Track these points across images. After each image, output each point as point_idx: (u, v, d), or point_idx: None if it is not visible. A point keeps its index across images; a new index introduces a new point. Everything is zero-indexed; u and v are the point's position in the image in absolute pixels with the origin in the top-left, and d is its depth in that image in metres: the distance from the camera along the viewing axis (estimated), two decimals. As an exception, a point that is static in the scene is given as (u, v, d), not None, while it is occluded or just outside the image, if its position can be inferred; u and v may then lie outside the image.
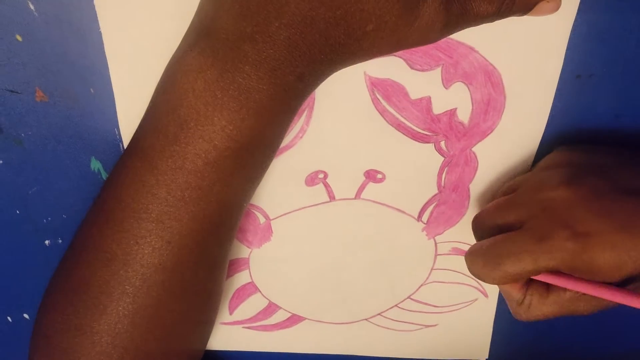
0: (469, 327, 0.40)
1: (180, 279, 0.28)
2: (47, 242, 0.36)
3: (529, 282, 0.30)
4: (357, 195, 0.35)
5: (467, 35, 0.29)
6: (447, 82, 0.31)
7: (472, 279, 0.38)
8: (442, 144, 0.33)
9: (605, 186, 0.28)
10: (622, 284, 0.27)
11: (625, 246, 0.26)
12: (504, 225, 0.29)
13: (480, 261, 0.29)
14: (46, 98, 0.31)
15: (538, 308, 0.30)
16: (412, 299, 0.39)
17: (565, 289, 0.29)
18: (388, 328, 0.40)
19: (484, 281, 0.29)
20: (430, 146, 0.33)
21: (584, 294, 0.28)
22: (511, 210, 0.29)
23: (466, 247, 0.37)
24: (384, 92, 0.31)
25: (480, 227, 0.31)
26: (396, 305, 0.39)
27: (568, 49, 0.30)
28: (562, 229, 0.27)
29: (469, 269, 0.30)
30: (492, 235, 0.29)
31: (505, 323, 0.40)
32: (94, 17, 0.28)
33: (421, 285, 0.38)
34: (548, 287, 0.30)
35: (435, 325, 0.40)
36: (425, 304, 0.39)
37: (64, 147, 0.32)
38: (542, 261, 0.27)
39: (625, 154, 0.31)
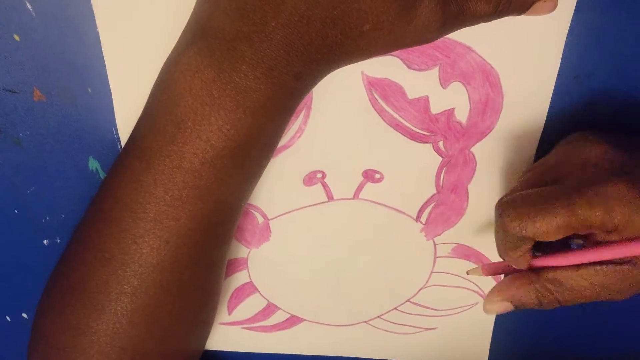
0: (468, 330, 0.40)
1: (178, 278, 0.28)
2: (45, 241, 0.36)
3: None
4: (356, 195, 0.35)
5: (465, 35, 0.29)
6: (444, 82, 0.31)
7: (472, 282, 0.38)
8: (441, 144, 0.33)
9: (635, 143, 0.27)
10: None
11: None
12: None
13: (521, 207, 0.26)
14: (44, 98, 0.31)
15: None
16: (411, 302, 0.39)
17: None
18: (387, 331, 0.40)
19: (516, 232, 0.26)
20: (429, 146, 0.33)
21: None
22: (547, 176, 0.28)
23: (467, 247, 0.37)
24: (382, 91, 0.31)
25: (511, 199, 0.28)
26: (395, 308, 0.39)
27: (565, 49, 0.30)
28: (608, 176, 0.26)
29: (501, 220, 0.27)
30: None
31: (505, 327, 0.40)
32: (92, 17, 0.29)
33: (421, 288, 0.38)
34: None
35: (435, 328, 0.40)
36: (425, 307, 0.39)
37: (61, 147, 0.32)
38: (595, 209, 0.25)
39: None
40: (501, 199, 0.29)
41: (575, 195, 0.25)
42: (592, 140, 0.28)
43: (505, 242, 0.28)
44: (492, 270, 0.32)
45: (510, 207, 0.27)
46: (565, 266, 0.28)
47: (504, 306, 0.30)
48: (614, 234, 0.26)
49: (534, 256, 0.29)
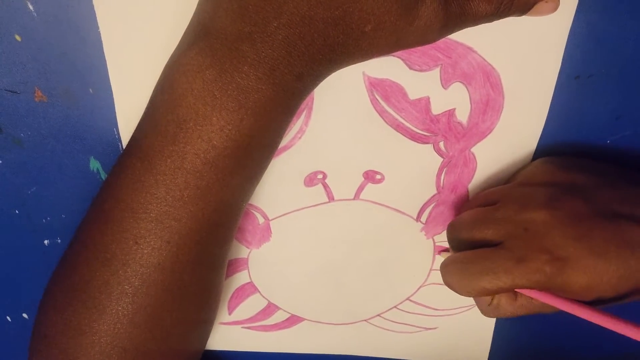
0: (468, 330, 0.40)
1: (179, 278, 0.28)
2: (46, 241, 0.36)
3: None
4: (356, 196, 0.35)
5: (466, 36, 0.29)
6: (445, 83, 0.31)
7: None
8: (441, 144, 0.33)
9: (584, 210, 0.28)
10: (592, 303, 0.28)
11: (599, 271, 0.27)
12: (481, 240, 0.30)
13: (457, 274, 0.30)
14: (45, 98, 0.31)
15: (506, 309, 0.31)
16: (411, 300, 0.39)
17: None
18: (387, 329, 0.40)
19: (457, 292, 0.30)
20: (429, 147, 0.33)
21: None
22: (490, 226, 0.30)
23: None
24: (383, 92, 0.31)
25: (457, 236, 0.32)
26: (395, 307, 0.39)
27: (566, 49, 0.30)
28: (541, 253, 0.27)
29: (444, 279, 0.31)
30: (468, 247, 0.30)
31: (505, 327, 0.40)
32: (93, 17, 0.29)
33: (420, 286, 0.38)
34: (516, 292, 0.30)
35: (435, 328, 0.40)
36: (425, 306, 0.39)
37: (63, 147, 0.32)
38: (519, 281, 0.28)
39: (611, 172, 0.31)
40: (449, 227, 0.33)
41: (500, 271, 0.28)
42: (538, 198, 0.29)
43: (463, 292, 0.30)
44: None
45: (445, 274, 0.30)
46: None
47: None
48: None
49: None
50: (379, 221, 0.36)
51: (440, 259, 0.37)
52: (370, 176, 0.34)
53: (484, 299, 0.31)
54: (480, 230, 0.30)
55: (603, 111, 0.32)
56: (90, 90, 0.31)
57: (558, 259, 0.27)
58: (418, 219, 0.36)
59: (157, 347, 0.29)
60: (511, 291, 0.30)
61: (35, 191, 0.34)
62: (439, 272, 0.38)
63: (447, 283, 0.30)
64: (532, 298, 0.30)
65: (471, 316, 0.40)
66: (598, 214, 0.28)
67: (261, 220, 0.35)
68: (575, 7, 0.29)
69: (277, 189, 0.34)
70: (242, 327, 0.40)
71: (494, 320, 0.40)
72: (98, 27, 0.29)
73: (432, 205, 0.35)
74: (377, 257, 0.37)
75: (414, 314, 0.40)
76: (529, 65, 0.30)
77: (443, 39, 0.28)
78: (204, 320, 0.32)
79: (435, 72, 0.31)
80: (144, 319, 0.28)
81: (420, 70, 0.31)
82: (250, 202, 0.33)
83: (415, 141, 0.33)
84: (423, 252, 0.37)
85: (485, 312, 0.32)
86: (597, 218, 0.28)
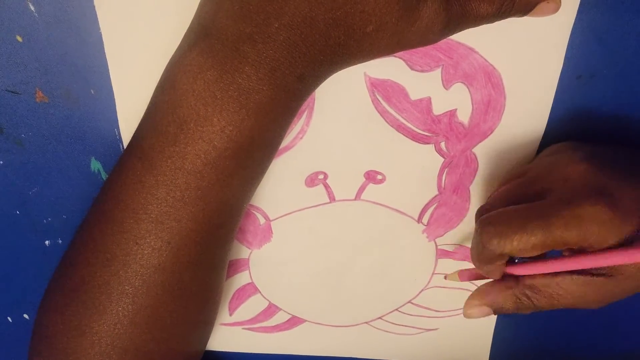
0: (469, 331, 0.40)
1: (179, 279, 0.28)
2: (47, 242, 0.36)
3: None
4: (357, 197, 0.35)
5: (467, 36, 0.29)
6: (447, 83, 0.31)
7: (473, 284, 0.38)
8: (442, 144, 0.33)
9: (618, 159, 0.28)
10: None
11: None
12: (520, 204, 0.28)
13: (502, 225, 0.27)
14: (46, 99, 0.31)
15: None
16: (412, 303, 0.39)
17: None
18: (389, 331, 0.40)
19: (497, 250, 0.27)
20: (431, 147, 0.33)
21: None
22: (527, 188, 0.28)
23: (468, 248, 0.37)
24: (384, 92, 0.31)
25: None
26: (397, 309, 0.39)
27: (568, 49, 0.30)
28: (588, 194, 0.26)
29: (483, 236, 0.27)
30: None
31: (506, 328, 0.40)
32: (94, 18, 0.29)
33: (422, 289, 0.38)
34: None
35: (436, 329, 0.40)
36: (426, 308, 0.39)
37: (64, 148, 0.32)
38: (572, 228, 0.26)
39: (626, 149, 0.31)
40: (481, 210, 0.30)
41: (553, 216, 0.26)
42: (573, 157, 0.29)
43: (481, 254, 0.28)
44: (469, 275, 0.33)
45: (489, 224, 0.27)
46: (543, 274, 0.28)
47: (484, 311, 0.31)
48: (589, 249, 0.27)
49: (512, 264, 0.29)
50: (380, 222, 0.36)
51: (442, 261, 0.37)
52: (372, 177, 0.34)
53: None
54: (515, 197, 0.28)
55: (605, 111, 0.32)
56: (92, 91, 0.31)
57: (608, 196, 0.26)
58: (419, 220, 0.36)
59: (157, 347, 0.29)
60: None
61: (36, 192, 0.34)
62: (441, 275, 0.38)
63: (488, 238, 0.27)
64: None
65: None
66: (630, 166, 0.28)
67: (262, 220, 0.35)
68: (577, 7, 0.29)
69: (278, 190, 0.34)
70: (243, 328, 0.40)
71: (494, 320, 0.40)
72: (99, 28, 0.29)
73: (434, 206, 0.35)
74: (379, 259, 0.37)
75: (415, 316, 0.40)
76: (530, 66, 0.30)
77: (444, 39, 0.28)
78: (205, 321, 0.32)
79: (437, 73, 0.31)
80: (144, 320, 0.28)
81: (422, 71, 0.30)
82: (251, 202, 0.33)
83: (416, 141, 0.33)
84: (425, 255, 0.37)
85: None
86: (630, 166, 0.28)
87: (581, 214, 0.26)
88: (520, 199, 0.28)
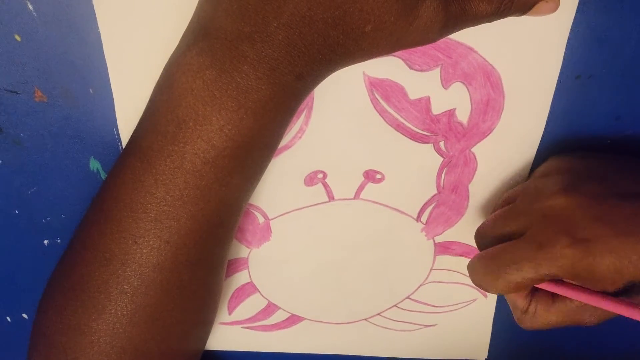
0: (468, 327, 0.40)
1: (178, 278, 0.28)
2: (45, 241, 0.36)
3: (533, 291, 0.30)
4: (356, 196, 0.35)
5: (466, 36, 0.29)
6: (446, 83, 0.31)
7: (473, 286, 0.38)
8: (442, 144, 0.33)
9: (602, 191, 0.28)
10: (624, 291, 0.27)
11: (625, 250, 0.26)
12: (505, 235, 0.29)
13: (481, 271, 0.29)
14: (45, 98, 0.31)
15: (543, 316, 0.30)
16: (411, 299, 0.39)
17: (570, 299, 0.29)
18: (387, 328, 0.40)
19: (487, 291, 0.29)
20: (430, 146, 0.33)
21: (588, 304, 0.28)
22: (511, 220, 0.29)
23: (466, 245, 0.37)
24: (383, 92, 0.31)
25: (483, 239, 0.31)
26: (395, 305, 0.39)
27: (567, 49, 0.30)
28: (562, 236, 0.27)
29: (471, 278, 0.30)
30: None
31: (505, 323, 0.40)
32: (93, 17, 0.28)
33: (420, 285, 0.38)
34: (553, 296, 0.30)
35: (435, 325, 0.40)
36: (425, 303, 0.39)
37: (62, 147, 0.32)
38: (543, 269, 0.27)
39: (621, 160, 0.31)
40: (478, 232, 0.32)
41: (525, 259, 0.27)
42: (557, 184, 0.29)
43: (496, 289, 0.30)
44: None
45: (473, 272, 0.30)
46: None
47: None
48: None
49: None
50: (379, 221, 0.36)
51: (440, 258, 0.37)
52: (371, 176, 0.34)
53: (519, 306, 0.31)
54: (501, 227, 0.30)
55: (604, 111, 0.32)
56: (90, 90, 0.31)
57: (580, 241, 0.26)
58: (418, 219, 0.36)
59: (156, 346, 0.29)
60: (547, 297, 0.30)
61: (35, 191, 0.34)
62: (440, 271, 0.38)
63: (475, 282, 0.30)
64: (569, 300, 0.29)
65: (470, 312, 0.40)
66: (616, 195, 0.27)
67: (261, 219, 0.35)
68: (576, 7, 0.29)
69: (277, 189, 0.34)
70: (242, 327, 0.40)
71: (492, 315, 0.40)
72: (98, 27, 0.29)
73: (433, 205, 0.35)
74: (377, 257, 0.37)
75: (414, 311, 0.40)
76: (529, 65, 0.30)
77: (443, 39, 0.28)
78: (204, 320, 0.32)
79: (436, 72, 0.31)
80: (143, 319, 0.28)
81: (421, 70, 0.31)
82: (250, 201, 0.33)
83: (415, 141, 0.33)
84: (423, 252, 0.37)
85: (522, 322, 0.31)
86: (614, 198, 0.27)
87: (553, 257, 0.27)
88: (506, 230, 0.30)
